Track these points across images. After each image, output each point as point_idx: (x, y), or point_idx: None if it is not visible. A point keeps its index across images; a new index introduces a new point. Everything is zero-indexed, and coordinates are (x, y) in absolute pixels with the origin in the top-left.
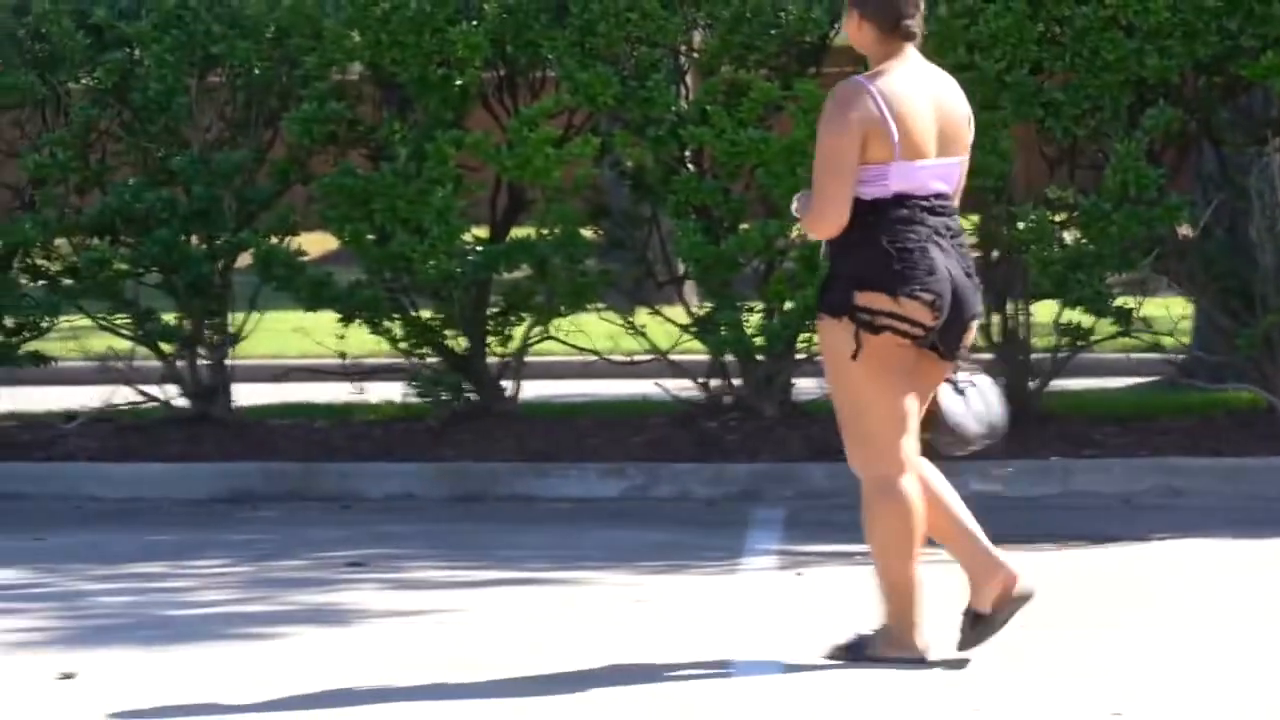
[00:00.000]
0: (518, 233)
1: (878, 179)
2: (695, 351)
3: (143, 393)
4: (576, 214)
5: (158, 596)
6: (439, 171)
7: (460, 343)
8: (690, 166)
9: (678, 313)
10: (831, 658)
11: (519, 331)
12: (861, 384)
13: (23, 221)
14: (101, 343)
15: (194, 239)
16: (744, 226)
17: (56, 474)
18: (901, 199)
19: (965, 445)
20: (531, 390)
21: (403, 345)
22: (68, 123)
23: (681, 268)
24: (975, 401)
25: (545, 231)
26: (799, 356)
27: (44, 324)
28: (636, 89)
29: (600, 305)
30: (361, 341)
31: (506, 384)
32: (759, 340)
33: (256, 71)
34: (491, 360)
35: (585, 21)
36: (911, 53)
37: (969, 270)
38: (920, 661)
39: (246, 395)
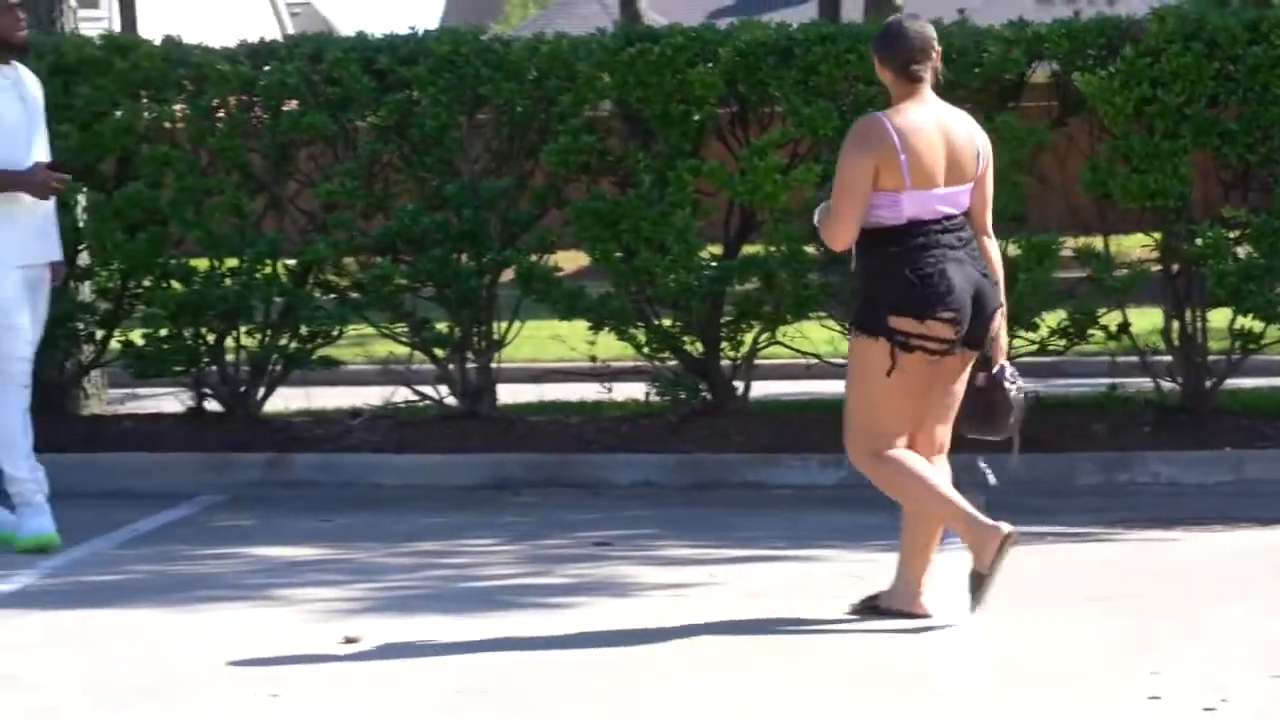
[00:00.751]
0: (748, 250)
1: (892, 205)
2: None
3: (418, 392)
4: (801, 233)
5: (435, 571)
6: (679, 196)
7: (697, 347)
8: None
9: None
10: (856, 612)
11: (749, 337)
12: (883, 391)
13: (316, 243)
14: (383, 349)
15: (464, 257)
16: None
17: (343, 464)
18: (915, 225)
19: (1001, 432)
20: (760, 390)
21: (646, 350)
22: (355, 156)
23: None
24: (1018, 395)
25: (773, 249)
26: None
27: (334, 332)
28: (853, 121)
29: (821, 314)
30: (609, 347)
31: (738, 384)
32: None
33: (519, 109)
34: (724, 363)
35: (809, 63)
36: (927, 93)
37: (984, 271)
38: (923, 616)
39: (508, 394)
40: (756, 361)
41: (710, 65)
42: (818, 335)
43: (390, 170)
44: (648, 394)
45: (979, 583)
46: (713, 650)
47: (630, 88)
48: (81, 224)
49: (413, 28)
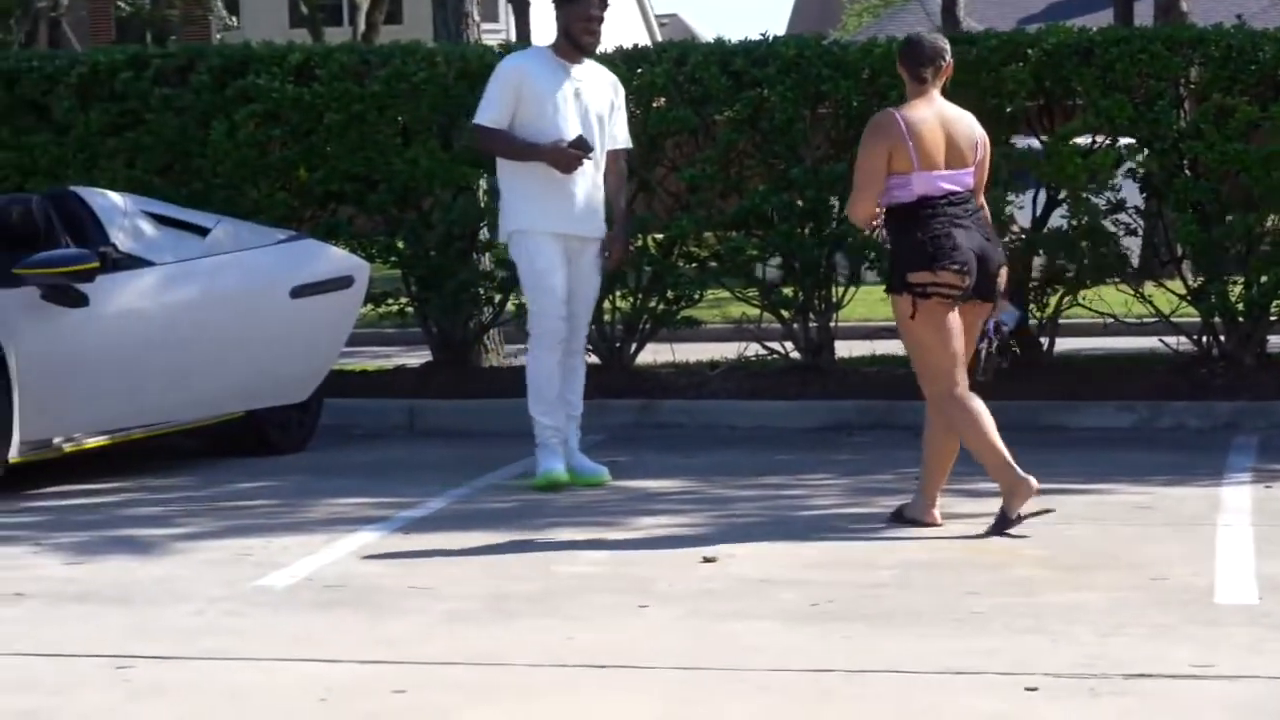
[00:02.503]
0: (1053, 223)
1: (904, 185)
2: (1190, 315)
3: (767, 348)
4: (1099, 209)
5: (779, 501)
6: (993, 177)
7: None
8: (1188, 172)
9: (1177, 285)
10: (891, 519)
11: (1054, 300)
12: (922, 334)
13: (681, 219)
14: (736, 310)
15: (806, 231)
16: (1229, 218)
17: (703, 409)
18: (924, 201)
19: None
20: (1063, 345)
21: None
22: (714, 145)
23: (1180, 250)
24: (989, 351)
25: (1075, 223)
26: (1272, 319)
27: (695, 296)
28: (1145, 112)
29: (1117, 279)
30: None
31: (1043, 340)
32: (1240, 306)
33: (855, 104)
34: (1032, 322)
35: (1107, 61)
36: (934, 93)
37: (987, 235)
38: (1017, 519)
39: (844, 349)
40: (1060, 321)
41: (1020, 65)
42: (1113, 298)
43: (744, 157)
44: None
45: (1004, 522)
46: (1011, 570)
47: (951, 84)
48: (483, 204)
49: (764, 34)
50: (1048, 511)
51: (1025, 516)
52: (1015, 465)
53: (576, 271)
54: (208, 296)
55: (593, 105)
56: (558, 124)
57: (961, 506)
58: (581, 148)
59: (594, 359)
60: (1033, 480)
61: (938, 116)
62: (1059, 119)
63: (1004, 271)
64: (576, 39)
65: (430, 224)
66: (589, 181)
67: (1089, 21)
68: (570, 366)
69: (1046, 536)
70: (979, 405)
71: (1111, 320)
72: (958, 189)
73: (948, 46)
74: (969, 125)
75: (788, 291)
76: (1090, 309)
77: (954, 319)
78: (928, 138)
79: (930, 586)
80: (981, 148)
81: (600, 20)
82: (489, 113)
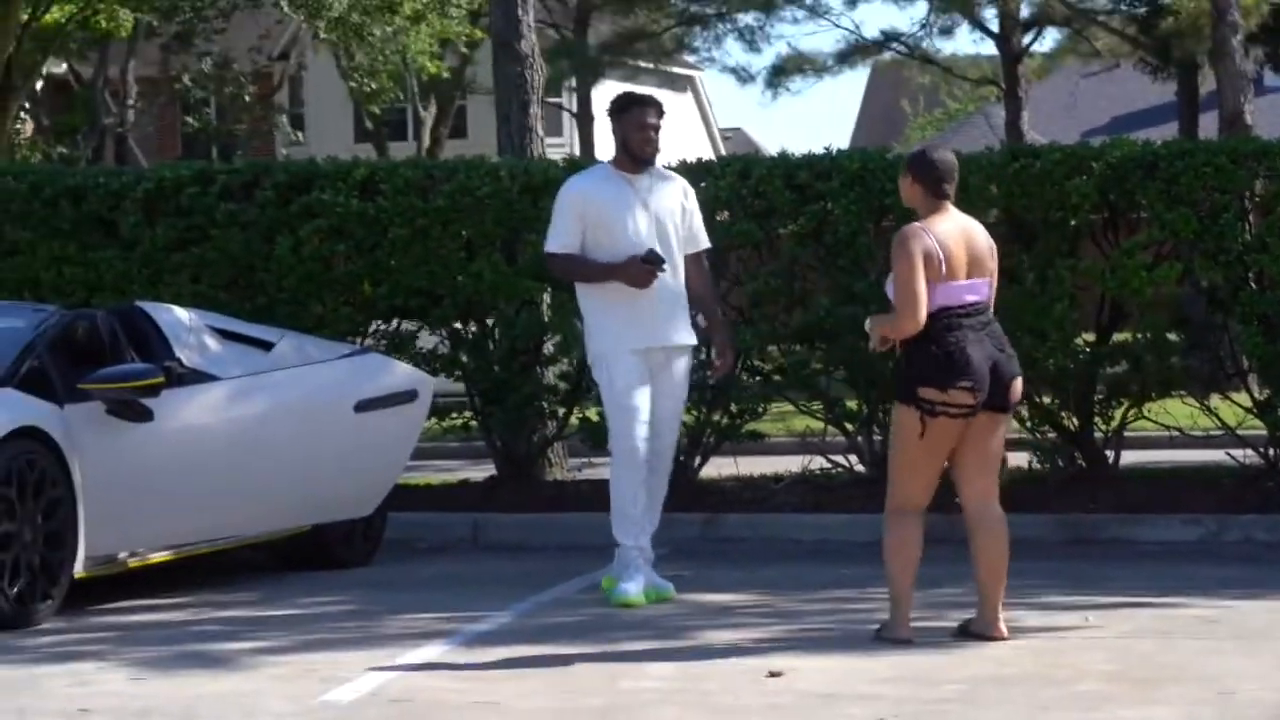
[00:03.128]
0: (1118, 337)
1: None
2: (1256, 428)
3: (831, 461)
4: (1164, 322)
5: (846, 615)
6: (1058, 290)
7: (1073, 421)
8: (1253, 284)
9: (1243, 398)
10: (957, 634)
11: (1119, 413)
12: (914, 449)
13: (744, 333)
14: (800, 423)
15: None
16: None
17: (768, 523)
18: (944, 311)
19: None
20: (1128, 458)
21: (1028, 424)
22: (777, 258)
23: (1246, 363)
24: None
25: (1139, 336)
26: None
27: (759, 409)
28: (1210, 225)
29: (1182, 392)
30: None
31: (1109, 453)
32: None
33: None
34: (1097, 435)
35: (1171, 175)
36: (949, 206)
37: (1001, 346)
38: (906, 643)
39: None
40: (1125, 434)
41: (1085, 178)
42: (1179, 410)
43: (807, 270)
44: (1030, 462)
45: (879, 633)
46: (1080, 684)
47: (1015, 197)
48: (547, 318)
49: (827, 148)
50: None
51: (889, 639)
52: (907, 612)
53: (663, 386)
54: (272, 411)
55: (662, 213)
56: (629, 239)
57: (1029, 620)
58: (653, 261)
59: None
60: (911, 636)
61: (959, 228)
62: (1124, 232)
63: (1018, 383)
64: (635, 150)
65: (494, 338)
66: (669, 292)
67: (1153, 134)
68: (651, 486)
69: (1115, 650)
70: (914, 538)
71: (1177, 433)
72: (978, 299)
73: (956, 161)
74: (984, 235)
75: (851, 405)
76: (1155, 422)
77: (951, 441)
78: (953, 249)
79: (999, 701)
80: (994, 258)
81: (657, 129)
82: (558, 239)
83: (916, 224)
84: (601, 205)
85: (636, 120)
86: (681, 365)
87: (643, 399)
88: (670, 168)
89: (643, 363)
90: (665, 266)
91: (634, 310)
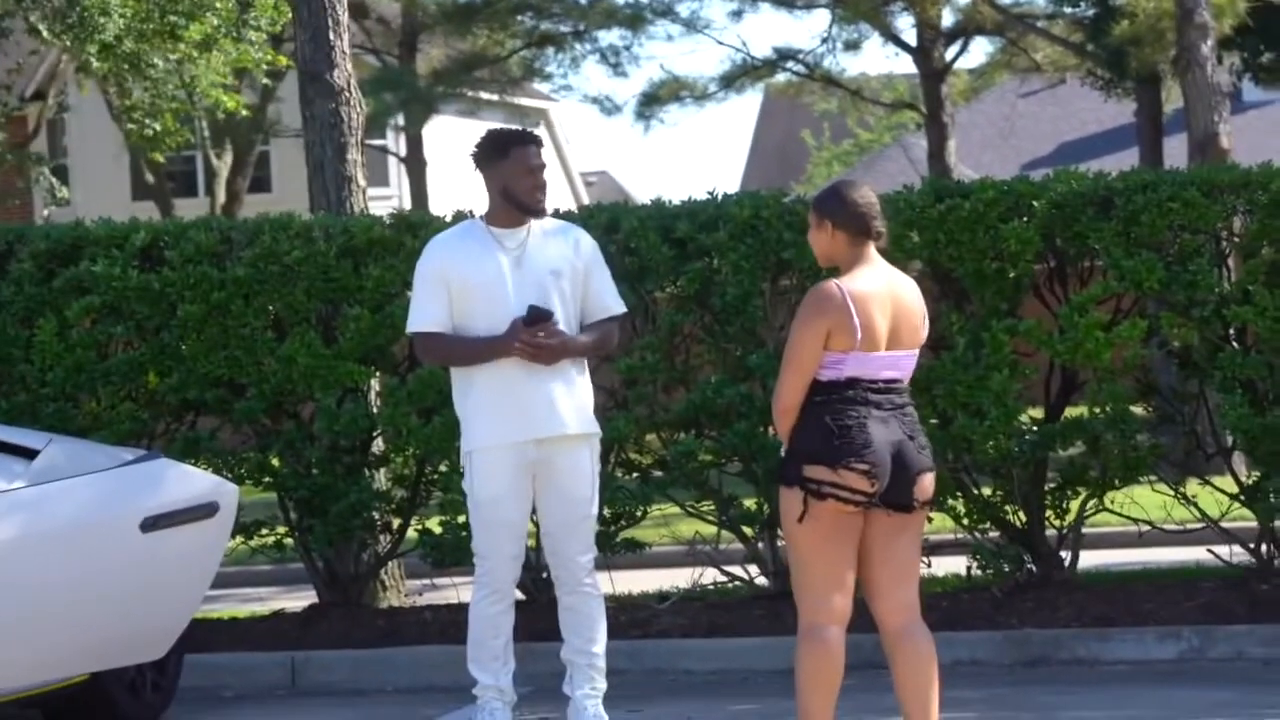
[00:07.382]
0: (1071, 412)
1: (835, 365)
2: (1245, 519)
3: (727, 573)
4: (1127, 392)
5: None
6: (996, 358)
7: (1020, 517)
8: (1234, 344)
9: (1226, 482)
10: None
11: (1075, 504)
12: (806, 543)
13: (617, 419)
14: (689, 528)
15: (770, 430)
16: None
17: (652, 651)
18: (853, 382)
19: None
20: (1088, 559)
21: (965, 521)
22: (655, 328)
23: (1229, 439)
24: None
25: (1097, 410)
26: None
27: (637, 514)
28: (1180, 273)
29: (1152, 477)
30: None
31: (1064, 554)
32: None
33: (824, 273)
34: (1050, 532)
35: (1129, 212)
36: (875, 256)
37: (912, 434)
38: None
39: None
40: (1083, 530)
41: (1025, 220)
42: (1148, 500)
43: (691, 341)
44: (969, 568)
45: None
46: None
47: (941, 246)
48: (375, 409)
49: (711, 192)
50: None
51: None
52: None
53: (552, 488)
54: (34, 535)
55: (539, 273)
56: (507, 309)
57: None
58: (541, 318)
59: (519, 594)
60: None
61: (888, 288)
62: (1074, 284)
63: (927, 479)
64: (524, 200)
65: (311, 436)
66: (554, 371)
67: (1108, 164)
68: (568, 606)
69: None
70: (831, 663)
71: (1147, 528)
72: (896, 375)
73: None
74: (915, 297)
75: (750, 504)
76: (1120, 514)
77: (849, 536)
78: (875, 315)
79: None
80: (925, 324)
81: (543, 168)
82: (421, 316)
83: (833, 282)
84: (465, 273)
85: (522, 163)
86: (579, 460)
87: (512, 509)
88: None
89: (520, 462)
90: (554, 318)
91: (515, 394)
